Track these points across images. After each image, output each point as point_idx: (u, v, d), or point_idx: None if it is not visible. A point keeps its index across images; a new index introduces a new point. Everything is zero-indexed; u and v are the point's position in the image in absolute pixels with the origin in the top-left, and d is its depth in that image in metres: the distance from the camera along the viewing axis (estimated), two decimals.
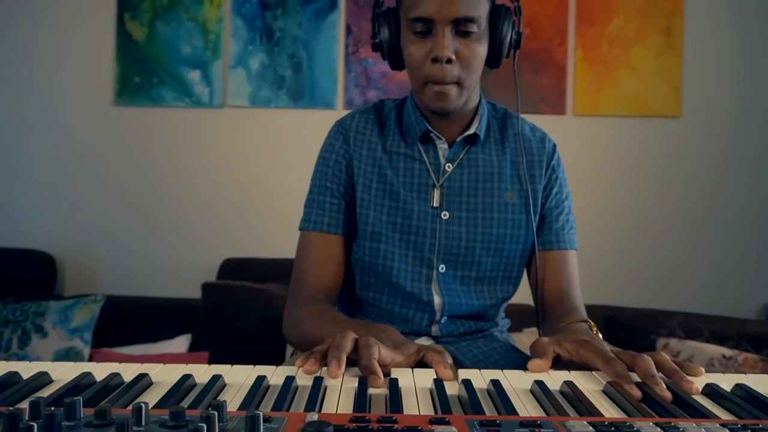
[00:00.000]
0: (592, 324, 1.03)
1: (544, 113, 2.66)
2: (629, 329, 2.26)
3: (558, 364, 0.80)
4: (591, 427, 0.51)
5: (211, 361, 2.14)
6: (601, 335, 0.98)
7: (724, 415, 0.60)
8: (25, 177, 2.77)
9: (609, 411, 0.61)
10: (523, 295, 1.25)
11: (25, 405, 0.52)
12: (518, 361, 1.16)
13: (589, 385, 0.69)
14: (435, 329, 1.16)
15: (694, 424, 0.52)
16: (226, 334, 2.23)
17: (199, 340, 2.31)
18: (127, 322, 2.40)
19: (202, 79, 2.66)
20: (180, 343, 2.29)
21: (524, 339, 2.19)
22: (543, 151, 1.20)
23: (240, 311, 2.23)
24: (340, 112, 2.64)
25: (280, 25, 2.66)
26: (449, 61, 1.03)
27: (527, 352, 1.21)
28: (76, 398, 0.51)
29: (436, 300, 1.14)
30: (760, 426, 0.51)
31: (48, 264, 2.63)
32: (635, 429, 0.50)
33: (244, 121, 2.71)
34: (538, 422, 0.51)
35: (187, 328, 2.34)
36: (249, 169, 2.72)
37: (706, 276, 2.70)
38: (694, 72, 2.68)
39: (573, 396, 0.64)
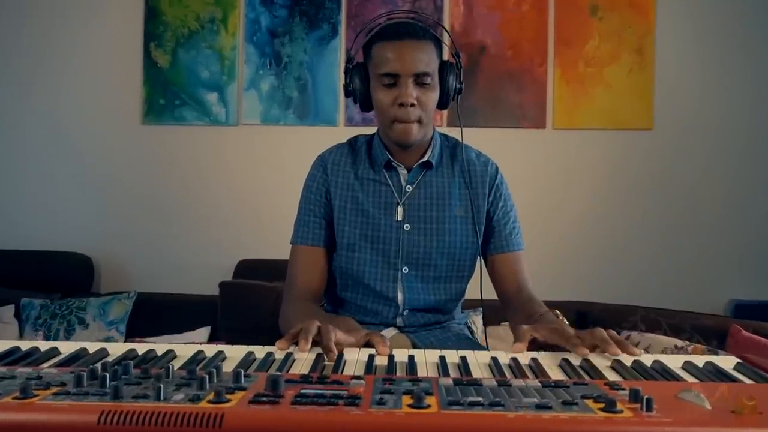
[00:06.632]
0: (559, 313, 1.30)
1: (526, 127, 2.92)
2: (598, 323, 2.51)
3: (535, 345, 1.06)
4: (451, 382, 0.78)
5: None
6: (567, 321, 1.26)
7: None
8: (64, 188, 3.11)
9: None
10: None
11: (97, 366, 0.82)
12: (467, 346, 1.44)
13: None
14: (399, 320, 1.42)
15: (523, 382, 0.79)
16: (240, 327, 2.54)
17: (217, 331, 2.63)
18: (156, 315, 2.73)
19: (219, 100, 2.99)
20: (201, 334, 2.61)
21: (501, 331, 2.46)
22: (486, 173, 1.46)
23: (253, 306, 2.54)
24: (341, 129, 2.94)
25: (287, 52, 2.97)
26: (412, 105, 1.32)
27: (499, 341, 1.46)
28: (129, 361, 0.81)
29: (400, 296, 1.40)
30: (567, 383, 0.78)
31: (86, 264, 2.98)
32: (479, 383, 0.78)
33: (256, 138, 3.02)
34: (420, 379, 0.80)
35: (207, 321, 2.67)
36: (261, 180, 3.03)
37: (678, 276, 2.94)
38: (664, 88, 2.92)
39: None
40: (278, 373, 0.77)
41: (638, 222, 2.96)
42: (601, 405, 0.68)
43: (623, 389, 0.76)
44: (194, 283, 2.94)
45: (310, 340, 0.99)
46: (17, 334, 2.63)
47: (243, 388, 0.73)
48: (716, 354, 2.25)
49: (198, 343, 2.51)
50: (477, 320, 2.52)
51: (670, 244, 2.95)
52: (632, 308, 2.55)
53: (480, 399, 0.70)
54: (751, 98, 2.92)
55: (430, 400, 0.69)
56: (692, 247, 2.95)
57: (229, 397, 0.69)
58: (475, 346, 1.44)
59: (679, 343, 2.27)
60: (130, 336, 2.65)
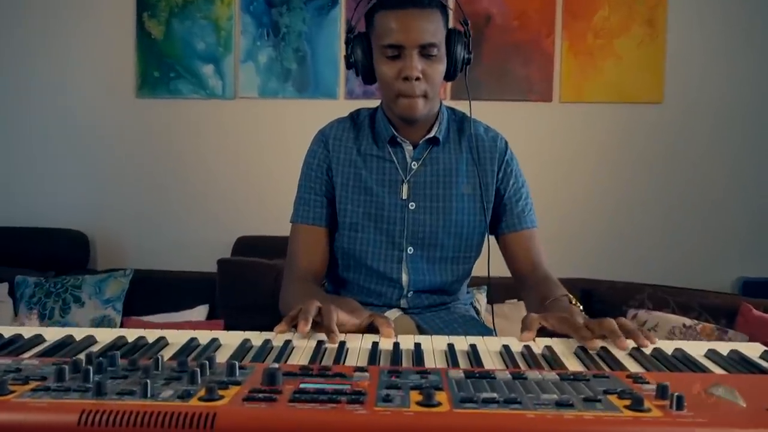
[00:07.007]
0: (572, 297, 1.22)
1: (532, 101, 2.83)
2: (603, 301, 2.48)
3: (544, 333, 1.00)
4: (462, 374, 0.73)
5: (225, 329, 2.41)
6: (581, 305, 1.19)
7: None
8: (58, 164, 3.05)
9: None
10: (506, 269, 1.42)
11: (81, 356, 0.77)
12: (474, 328, 1.39)
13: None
14: (404, 302, 1.37)
15: (539, 374, 0.74)
16: (239, 305, 2.51)
17: (215, 309, 2.59)
18: (153, 293, 2.68)
19: (215, 72, 2.90)
20: (199, 312, 2.57)
21: (506, 309, 2.42)
22: (495, 149, 1.39)
23: (252, 284, 2.50)
24: (342, 102, 2.86)
25: (285, 22, 2.87)
26: (417, 78, 1.24)
27: (503, 318, 1.39)
28: (116, 352, 0.75)
29: (404, 277, 1.35)
30: (587, 375, 0.72)
31: (82, 242, 2.93)
32: (492, 376, 0.72)
33: (254, 111, 2.94)
34: (428, 370, 0.74)
35: (204, 299, 2.62)
36: (260, 155, 2.96)
37: (686, 251, 2.89)
38: (676, 60, 2.83)
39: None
40: (275, 366, 0.71)
41: (645, 198, 2.89)
42: (627, 402, 0.63)
43: (647, 383, 0.70)
44: (192, 261, 2.90)
45: (310, 321, 0.94)
46: (11, 313, 2.58)
47: (237, 383, 0.68)
48: (725, 333, 2.21)
49: (194, 322, 2.49)
50: (480, 298, 2.48)
51: (677, 221, 2.90)
52: (639, 286, 2.50)
53: (495, 395, 0.64)
54: (765, 72, 2.83)
55: (441, 397, 0.64)
56: (700, 223, 2.89)
57: (221, 393, 0.64)
58: (482, 327, 1.39)
59: (688, 321, 2.22)
60: (126, 314, 2.61)
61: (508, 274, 1.50)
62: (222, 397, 0.63)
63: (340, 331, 0.93)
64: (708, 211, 2.89)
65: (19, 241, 2.89)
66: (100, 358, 0.73)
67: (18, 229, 2.92)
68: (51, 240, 2.91)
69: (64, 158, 3.04)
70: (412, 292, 1.37)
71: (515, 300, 2.45)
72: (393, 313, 1.37)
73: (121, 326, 2.56)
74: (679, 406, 0.61)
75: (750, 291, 2.71)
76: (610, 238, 2.90)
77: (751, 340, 2.10)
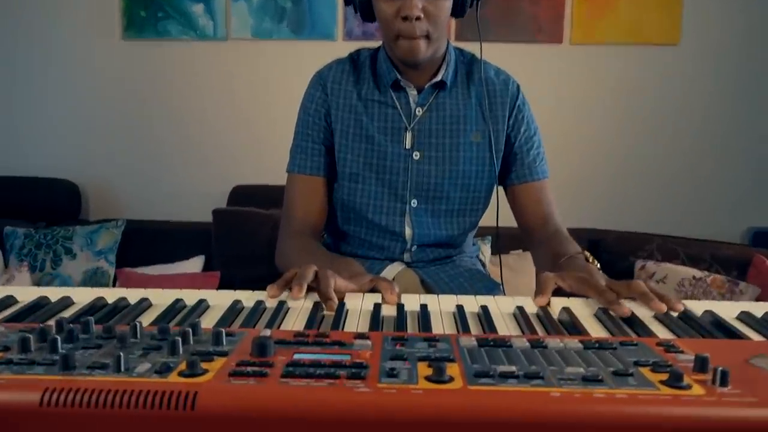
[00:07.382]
0: (588, 255, 1.14)
1: (541, 42, 2.68)
2: (611, 252, 2.41)
3: (560, 293, 0.92)
4: (475, 342, 0.66)
5: (222, 280, 2.36)
6: (598, 264, 1.11)
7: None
8: (47, 111, 2.93)
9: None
10: (511, 219, 1.35)
11: (51, 323, 0.69)
12: (480, 282, 1.32)
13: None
14: (407, 256, 1.31)
15: (560, 342, 0.66)
16: (235, 256, 2.44)
17: (211, 260, 2.53)
18: (147, 244, 2.61)
19: (206, 12, 2.73)
20: (195, 264, 2.50)
21: (511, 260, 2.36)
22: (506, 93, 1.29)
23: (248, 235, 2.43)
24: (340, 44, 2.71)
25: None
26: (418, 18, 1.13)
27: (508, 269, 1.31)
28: (89, 317, 0.68)
29: (407, 231, 1.28)
30: (613, 342, 0.65)
31: (73, 192, 2.84)
32: (508, 344, 0.65)
33: (247, 54, 2.79)
34: (437, 337, 0.67)
35: (200, 250, 2.55)
36: (255, 100, 2.83)
37: (696, 201, 2.81)
38: None
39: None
40: (266, 335, 0.64)
41: (657, 144, 2.79)
42: (663, 376, 0.55)
43: (681, 352, 0.63)
44: (186, 211, 2.82)
45: (305, 287, 0.86)
46: (1, 265, 2.52)
47: (224, 353, 0.60)
48: (736, 285, 2.15)
49: (190, 274, 2.43)
50: (485, 249, 2.42)
51: (689, 168, 2.80)
52: (648, 236, 2.43)
53: (513, 369, 0.57)
54: None
55: (452, 370, 0.56)
56: (711, 171, 2.80)
57: (205, 366, 0.56)
58: (489, 281, 1.33)
59: (698, 273, 2.16)
60: (120, 266, 2.54)
61: (512, 223, 1.43)
62: (206, 371, 0.55)
63: (339, 298, 0.86)
64: (720, 159, 2.79)
65: (8, 191, 2.80)
66: (72, 325, 0.65)
67: (6, 179, 2.83)
68: (41, 190, 2.82)
69: (52, 105, 2.92)
70: (416, 246, 1.30)
71: (520, 251, 2.38)
72: (396, 267, 1.31)
73: (114, 279, 2.50)
74: (723, 382, 0.54)
75: (760, 241, 2.64)
76: (619, 186, 2.81)
77: (764, 292, 2.04)
